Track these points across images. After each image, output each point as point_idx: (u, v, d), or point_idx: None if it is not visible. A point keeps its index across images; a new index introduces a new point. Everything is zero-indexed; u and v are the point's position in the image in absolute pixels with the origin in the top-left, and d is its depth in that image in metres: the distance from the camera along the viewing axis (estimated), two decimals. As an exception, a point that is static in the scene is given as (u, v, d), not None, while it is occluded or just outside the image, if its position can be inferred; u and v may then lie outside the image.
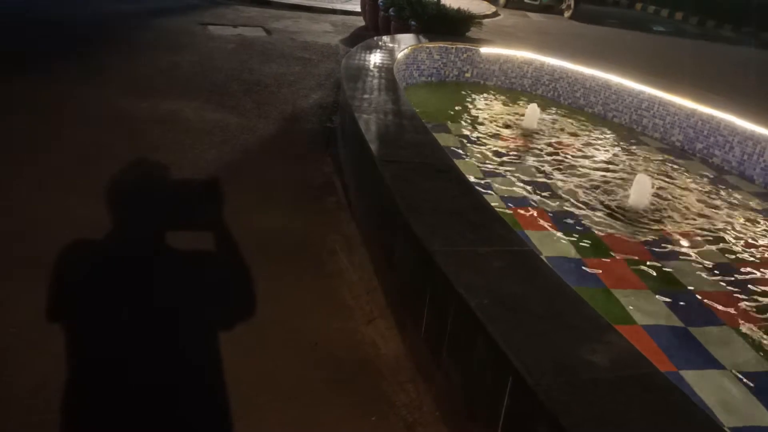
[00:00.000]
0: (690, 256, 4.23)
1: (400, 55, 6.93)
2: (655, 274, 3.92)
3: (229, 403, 2.37)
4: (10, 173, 4.01)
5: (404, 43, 7.58)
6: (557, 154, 6.02)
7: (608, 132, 7.08)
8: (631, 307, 3.48)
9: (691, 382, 2.93)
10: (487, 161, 5.60)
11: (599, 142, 6.69)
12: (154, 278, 3.08)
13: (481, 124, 6.77)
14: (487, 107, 7.53)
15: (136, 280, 3.04)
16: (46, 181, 3.94)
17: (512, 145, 6.14)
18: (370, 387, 2.54)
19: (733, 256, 4.32)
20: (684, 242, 4.43)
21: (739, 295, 3.79)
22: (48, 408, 2.22)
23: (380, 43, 7.46)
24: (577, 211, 4.72)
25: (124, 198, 3.78)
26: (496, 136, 6.38)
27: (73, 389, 2.32)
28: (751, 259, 4.32)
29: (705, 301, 3.67)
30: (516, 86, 8.45)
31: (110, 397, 2.33)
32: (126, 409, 2.29)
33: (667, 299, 3.62)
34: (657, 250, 4.25)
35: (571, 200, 4.92)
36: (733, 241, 4.57)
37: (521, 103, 7.70)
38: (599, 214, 4.73)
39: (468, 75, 8.45)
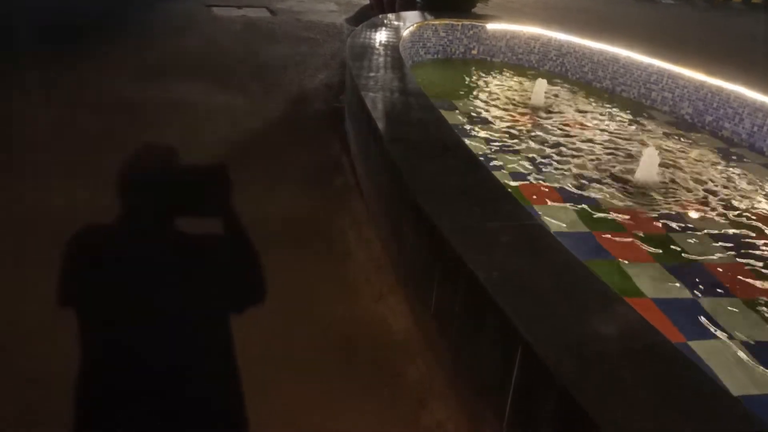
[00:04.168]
0: (699, 228, 4.22)
1: (405, 33, 6.88)
2: (664, 246, 3.91)
3: (240, 382, 2.40)
4: (18, 158, 4.05)
5: (409, 21, 7.52)
6: (565, 129, 5.98)
7: (616, 106, 7.02)
8: (640, 280, 3.49)
9: (701, 353, 2.94)
10: (495, 137, 5.58)
11: (607, 116, 6.64)
12: (163, 261, 3.11)
13: (488, 100, 6.73)
14: (494, 84, 7.48)
15: (146, 263, 3.07)
16: (53, 167, 3.97)
17: (520, 121, 6.11)
18: (381, 363, 2.58)
19: (743, 228, 4.30)
20: (693, 214, 4.42)
21: (749, 267, 3.78)
22: (62, 392, 2.26)
23: (385, 21, 7.40)
24: (585, 186, 4.71)
25: (132, 182, 3.80)
26: (503, 112, 6.35)
27: (85, 373, 2.36)
28: (762, 231, 4.30)
29: (715, 272, 3.67)
30: (523, 62, 8.38)
31: (122, 380, 2.37)
32: (137, 390, 2.33)
33: (677, 271, 3.62)
34: (666, 222, 4.24)
35: (580, 175, 4.91)
36: (743, 212, 4.55)
37: (528, 79, 7.64)
38: (608, 188, 4.71)
39: (474, 52, 8.38)
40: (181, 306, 2.80)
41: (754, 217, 4.48)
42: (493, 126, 5.91)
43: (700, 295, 3.42)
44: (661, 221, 4.26)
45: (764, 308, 3.36)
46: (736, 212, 4.55)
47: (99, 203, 3.49)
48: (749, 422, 1.56)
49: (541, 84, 6.75)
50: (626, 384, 1.66)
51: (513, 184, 4.63)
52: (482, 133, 5.66)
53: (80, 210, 3.40)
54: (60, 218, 3.33)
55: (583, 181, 4.79)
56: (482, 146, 5.34)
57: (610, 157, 5.36)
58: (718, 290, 3.49)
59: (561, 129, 5.96)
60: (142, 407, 2.25)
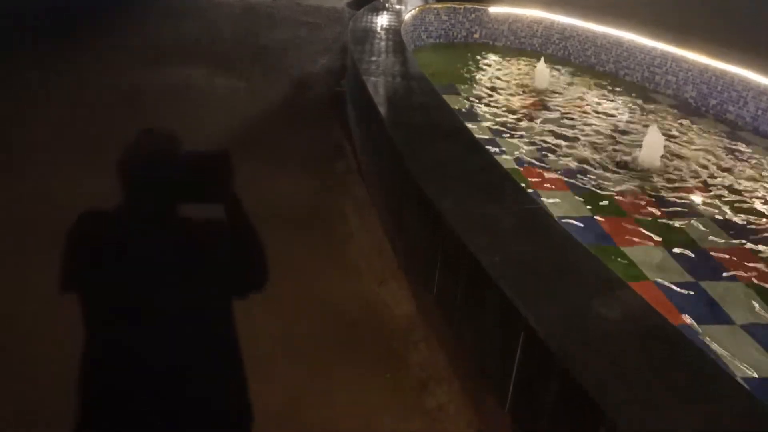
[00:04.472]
0: (702, 212, 4.21)
1: (407, 17, 6.83)
2: (666, 230, 3.90)
3: (243, 363, 2.41)
4: (19, 144, 4.04)
5: (411, 5, 7.47)
6: (568, 113, 5.95)
7: (620, 90, 6.98)
8: (642, 264, 3.49)
9: (703, 336, 2.95)
10: (497, 122, 5.55)
11: (610, 100, 6.60)
12: (165, 247, 3.10)
13: (490, 84, 6.69)
14: (496, 68, 7.44)
15: (149, 248, 3.07)
16: (55, 152, 3.96)
17: (522, 106, 6.08)
18: (384, 346, 2.58)
19: (746, 212, 4.29)
20: (696, 198, 4.40)
21: (751, 251, 3.77)
22: (68, 375, 2.27)
23: (387, 5, 7.35)
24: (587, 170, 4.69)
25: (133, 168, 3.77)
26: (505, 96, 6.31)
27: (90, 357, 2.37)
28: (765, 215, 4.29)
29: (717, 256, 3.67)
30: (525, 46, 8.32)
31: (126, 360, 2.37)
32: (140, 370, 2.33)
33: (679, 255, 3.62)
34: (669, 206, 4.23)
35: (582, 159, 4.89)
36: (746, 196, 4.53)
37: (531, 62, 7.59)
38: (610, 172, 4.70)
39: (476, 36, 8.32)
40: (181, 289, 2.80)
41: (757, 201, 4.47)
42: (496, 110, 5.88)
43: (701, 278, 3.42)
44: (664, 205, 4.24)
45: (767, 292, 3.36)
46: (740, 196, 4.53)
47: (99, 189, 3.47)
48: (752, 405, 1.56)
49: (544, 68, 6.70)
50: (628, 367, 1.66)
51: (515, 168, 4.62)
52: (484, 117, 5.63)
53: (82, 196, 3.39)
54: (61, 203, 3.31)
55: (586, 165, 4.77)
56: (484, 130, 5.32)
57: (612, 141, 5.33)
58: (721, 274, 3.49)
59: (563, 113, 5.93)
60: (140, 384, 2.25)
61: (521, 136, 5.25)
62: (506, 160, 4.71)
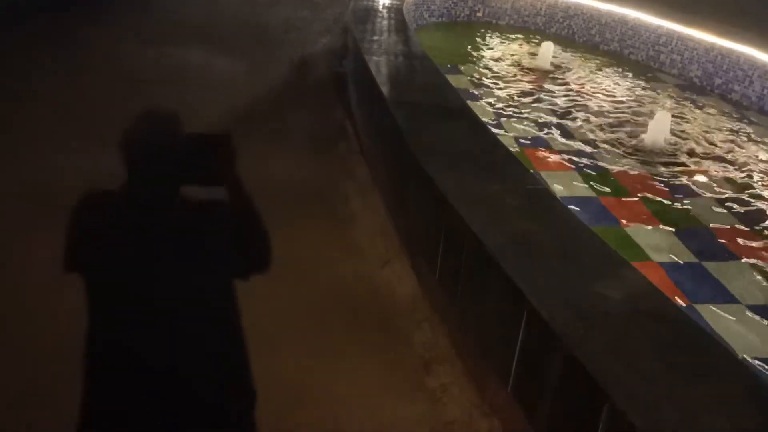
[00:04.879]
0: (706, 192, 4.19)
1: (409, -5, 6.76)
2: (671, 211, 3.89)
3: (246, 345, 2.41)
4: (21, 125, 4.02)
5: (413, -17, 7.38)
6: (572, 93, 5.90)
7: (624, 69, 6.92)
8: (646, 245, 3.48)
9: (706, 315, 2.95)
10: (500, 101, 5.51)
11: (615, 80, 6.55)
12: (167, 228, 3.10)
13: (494, 64, 6.64)
14: (499, 47, 7.37)
15: (149, 230, 3.06)
16: (55, 133, 3.94)
17: (525, 85, 6.02)
18: (387, 327, 2.58)
19: (750, 192, 4.27)
20: (700, 179, 4.38)
21: (755, 231, 3.76)
22: (70, 355, 2.27)
23: (389, -17, 7.26)
24: (591, 150, 4.66)
25: (133, 149, 3.76)
26: (508, 76, 6.26)
27: (93, 334, 2.37)
28: (769, 194, 4.27)
29: (721, 237, 3.65)
30: (529, 25, 8.23)
31: (129, 339, 2.37)
32: (145, 349, 2.34)
33: (683, 236, 3.61)
34: (673, 187, 4.21)
35: (586, 139, 4.86)
36: (751, 177, 4.51)
37: (534, 42, 7.51)
38: (614, 152, 4.67)
39: (479, 14, 8.23)
40: (184, 271, 2.81)
41: (762, 181, 4.44)
42: (499, 90, 5.83)
43: (705, 258, 3.41)
44: (668, 185, 4.22)
45: (770, 272, 3.36)
46: (744, 176, 4.50)
47: (100, 168, 3.46)
48: (756, 385, 1.56)
49: (548, 47, 6.64)
50: (631, 347, 1.66)
51: (518, 148, 4.59)
52: (487, 97, 5.59)
53: (83, 175, 3.38)
54: (62, 182, 3.31)
55: (589, 146, 4.74)
56: (487, 110, 5.28)
57: (616, 121, 5.29)
58: (724, 254, 3.48)
59: (567, 93, 5.89)
60: (144, 363, 2.25)
61: (524, 116, 5.21)
62: (509, 140, 4.68)
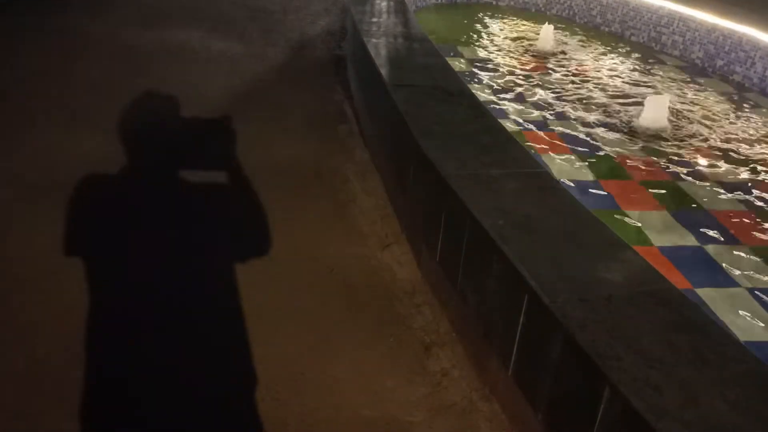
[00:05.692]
0: (707, 175, 4.17)
1: (409, -24, 6.67)
2: (672, 194, 3.87)
3: (246, 328, 2.41)
4: (21, 107, 3.99)
5: (413, -37, 7.29)
6: (572, 75, 5.86)
7: (626, 51, 6.87)
8: (647, 228, 3.47)
9: (707, 299, 2.94)
10: (500, 83, 5.47)
11: (616, 61, 6.50)
12: (168, 211, 3.09)
13: (494, 46, 6.58)
14: (499, 29, 7.30)
15: (150, 213, 3.06)
16: (56, 115, 3.91)
17: (526, 67, 5.98)
18: (387, 311, 2.58)
19: (752, 175, 4.25)
20: (701, 161, 4.36)
21: (756, 214, 3.75)
22: (72, 334, 2.28)
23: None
24: (592, 133, 4.64)
25: (134, 131, 3.74)
26: (509, 57, 6.21)
27: (93, 314, 2.38)
28: (771, 177, 4.25)
29: (722, 220, 3.64)
30: (529, 6, 8.16)
31: (130, 322, 2.38)
32: (146, 332, 2.34)
33: (684, 219, 3.60)
34: (674, 170, 4.19)
35: (587, 122, 4.83)
36: (752, 158, 4.49)
37: (535, 23, 7.44)
38: (615, 135, 4.64)
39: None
40: (186, 252, 2.80)
41: (764, 164, 4.42)
42: (499, 72, 5.79)
43: (706, 242, 3.40)
44: (669, 168, 4.20)
45: (771, 254, 3.35)
46: (745, 159, 4.48)
47: (100, 151, 3.45)
48: (757, 369, 1.56)
49: (548, 29, 6.58)
50: (632, 330, 1.65)
51: (518, 130, 4.57)
52: (488, 79, 5.55)
53: (83, 157, 3.37)
54: (63, 164, 3.30)
55: (590, 128, 4.71)
56: (488, 92, 5.25)
57: (617, 103, 5.26)
58: (725, 237, 3.47)
59: (568, 75, 5.85)
60: (146, 346, 2.27)
61: (524, 98, 5.18)
62: (509, 122, 4.65)
